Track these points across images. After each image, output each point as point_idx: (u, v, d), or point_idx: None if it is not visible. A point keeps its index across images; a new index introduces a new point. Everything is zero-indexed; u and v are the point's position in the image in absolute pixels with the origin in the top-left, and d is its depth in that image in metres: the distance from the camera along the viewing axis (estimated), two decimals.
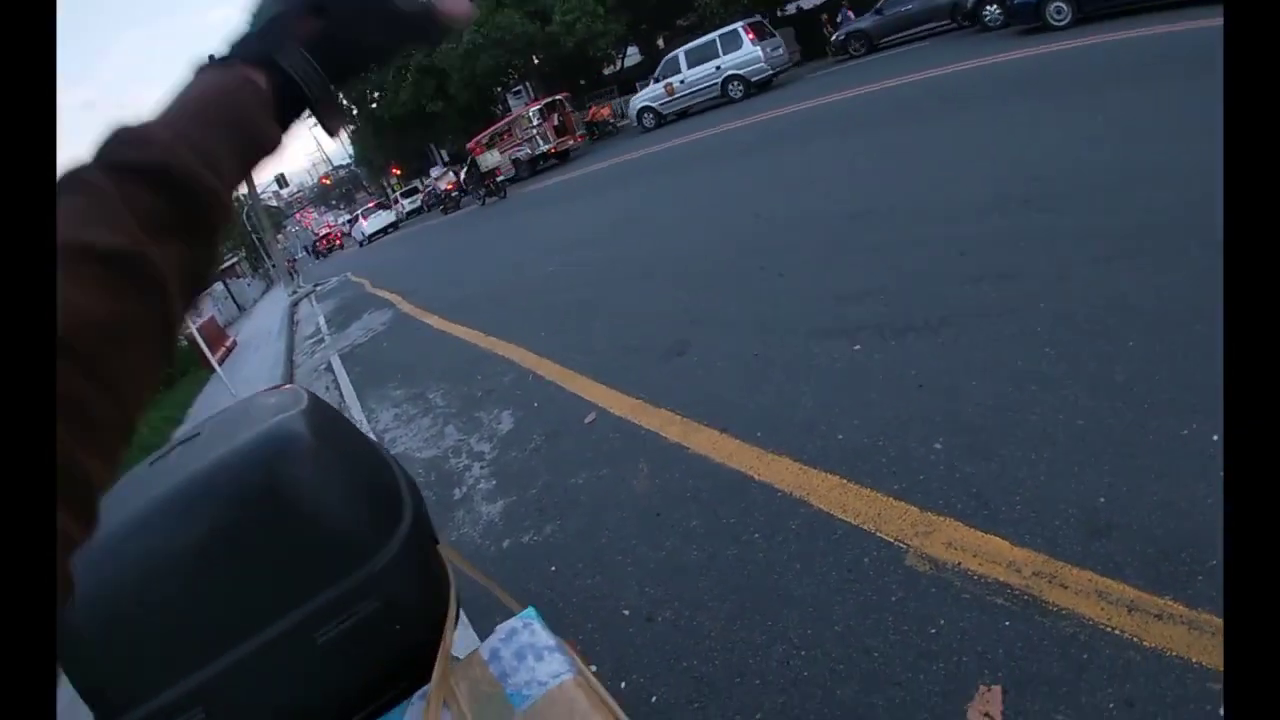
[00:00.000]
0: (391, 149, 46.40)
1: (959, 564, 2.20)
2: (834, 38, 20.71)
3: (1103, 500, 2.21)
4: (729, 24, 21.10)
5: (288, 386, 1.42)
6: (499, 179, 23.98)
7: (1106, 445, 2.42)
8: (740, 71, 19.80)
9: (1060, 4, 10.62)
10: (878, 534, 2.46)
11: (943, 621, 2.04)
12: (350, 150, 60.73)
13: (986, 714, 1.75)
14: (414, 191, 40.00)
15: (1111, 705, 1.66)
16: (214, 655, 1.04)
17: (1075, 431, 2.54)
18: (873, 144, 8.30)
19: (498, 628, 1.13)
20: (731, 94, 20.09)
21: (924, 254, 4.53)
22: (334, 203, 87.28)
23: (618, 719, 0.94)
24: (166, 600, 1.04)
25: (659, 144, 17.53)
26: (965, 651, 1.93)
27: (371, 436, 5.67)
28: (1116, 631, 1.81)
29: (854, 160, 7.91)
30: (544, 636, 1.08)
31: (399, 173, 48.95)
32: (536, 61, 33.61)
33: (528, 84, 35.70)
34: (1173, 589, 1.85)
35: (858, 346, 3.73)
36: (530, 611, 1.15)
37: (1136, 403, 2.55)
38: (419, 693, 1.08)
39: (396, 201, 40.73)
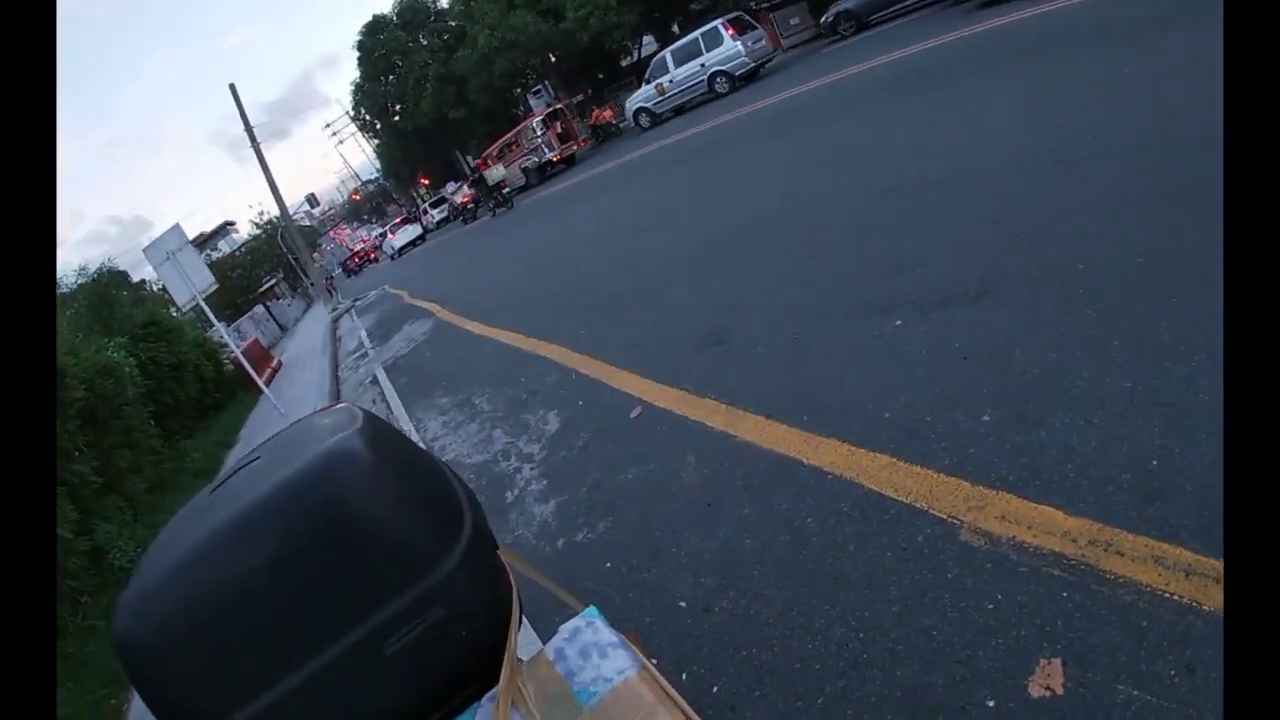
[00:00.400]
0: (418, 159, 46.86)
1: (1014, 537, 2.20)
2: (823, 19, 21.05)
3: (1155, 463, 2.18)
4: (741, 6, 21.38)
5: (341, 405, 1.46)
6: (505, 191, 25.53)
7: (1156, 406, 2.38)
8: (724, 67, 20.73)
9: None
10: (931, 511, 2.46)
11: (1000, 596, 2.04)
12: (377, 164, 61.43)
13: (1048, 687, 1.74)
14: (442, 201, 40.38)
15: (1173, 672, 1.64)
16: (286, 672, 1.07)
17: (1123, 394, 2.50)
18: (891, 116, 8.18)
19: (561, 627, 1.16)
20: (718, 89, 20.98)
21: (957, 223, 4.48)
22: (366, 217, 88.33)
23: (684, 712, 0.96)
24: (237, 622, 1.07)
25: (663, 140, 17.72)
26: (1024, 625, 1.92)
27: (422, 447, 5.79)
28: (1175, 596, 1.79)
29: (875, 134, 7.82)
30: (606, 634, 1.11)
31: (427, 182, 49.44)
32: (554, 60, 33.64)
33: (547, 83, 35.79)
34: None
35: (898, 322, 3.71)
36: (592, 610, 1.18)
37: (1183, 360, 2.50)
38: (488, 695, 1.11)
39: (426, 212, 41.09)
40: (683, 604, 2.67)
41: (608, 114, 30.06)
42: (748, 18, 21.92)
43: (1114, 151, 4.29)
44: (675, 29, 31.77)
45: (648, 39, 34.19)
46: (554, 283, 8.98)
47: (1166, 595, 1.80)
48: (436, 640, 1.10)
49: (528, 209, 21.47)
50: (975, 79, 7.88)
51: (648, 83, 23.37)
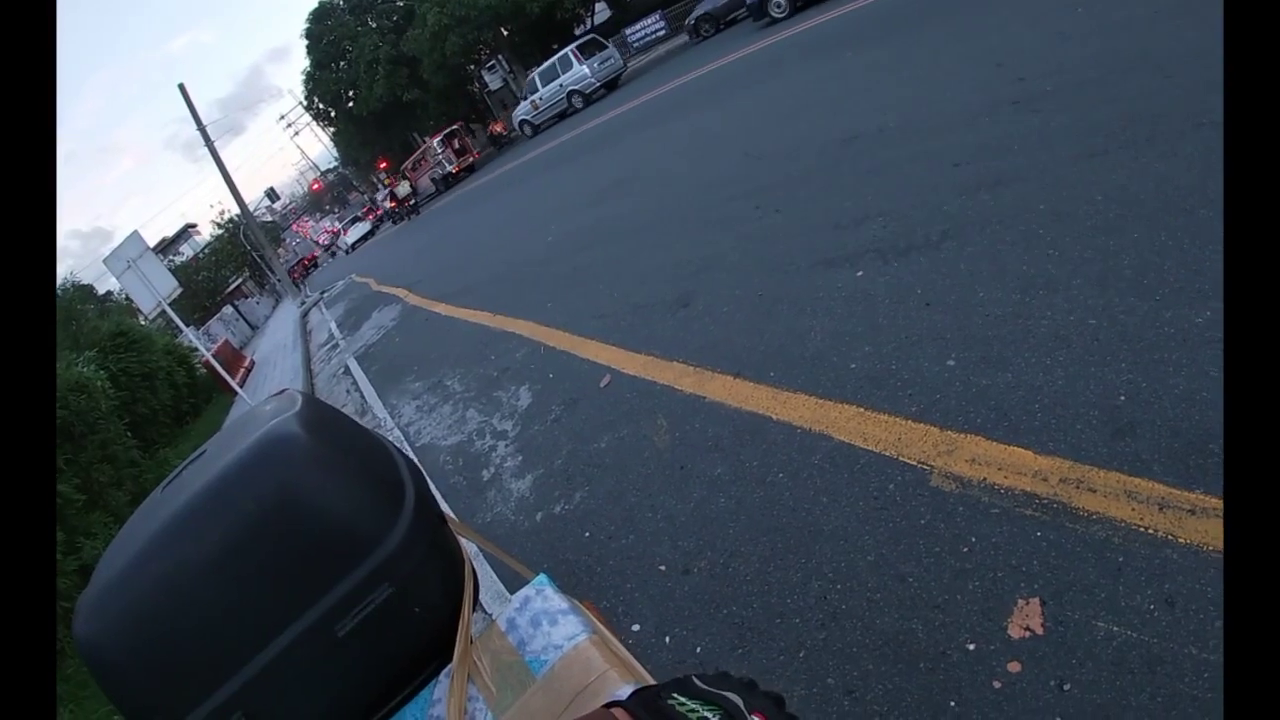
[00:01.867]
0: (376, 144, 46.15)
1: (984, 479, 2.19)
2: (686, 22, 22.84)
3: (1123, 398, 2.18)
4: None
5: (284, 392, 1.42)
6: (413, 201, 33.16)
7: (1121, 342, 2.38)
8: (577, 87, 24.72)
9: None
10: (900, 459, 2.45)
11: (974, 539, 2.03)
12: (335, 153, 60.47)
13: (1027, 627, 1.74)
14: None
15: (1152, 606, 1.64)
16: (244, 661, 1.05)
17: (1088, 331, 2.50)
18: (847, 70, 8.07)
19: (513, 596, 1.14)
20: (575, 105, 25.02)
21: (918, 170, 4.45)
22: (328, 207, 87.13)
23: (634, 672, 0.94)
24: (192, 615, 1.05)
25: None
26: (999, 567, 1.91)
27: (398, 433, 5.74)
28: (1150, 531, 1.79)
29: (832, 88, 7.73)
30: (557, 600, 1.09)
31: (386, 166, 48.75)
32: (506, 33, 33.15)
33: (500, 57, 35.33)
34: (1203, 482, 1.82)
35: (861, 273, 3.69)
36: (542, 578, 1.16)
37: (1147, 295, 2.49)
38: (445, 671, 1.09)
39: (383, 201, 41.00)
40: (662, 568, 2.66)
41: (499, 127, 35.47)
42: (600, 40, 25.79)
43: (1074, 89, 4.26)
44: None
45: (600, 5, 33.71)
46: (519, 259, 8.87)
47: (1141, 529, 1.80)
48: (389, 618, 1.08)
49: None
50: (926, 30, 7.79)
51: (524, 99, 27.63)
